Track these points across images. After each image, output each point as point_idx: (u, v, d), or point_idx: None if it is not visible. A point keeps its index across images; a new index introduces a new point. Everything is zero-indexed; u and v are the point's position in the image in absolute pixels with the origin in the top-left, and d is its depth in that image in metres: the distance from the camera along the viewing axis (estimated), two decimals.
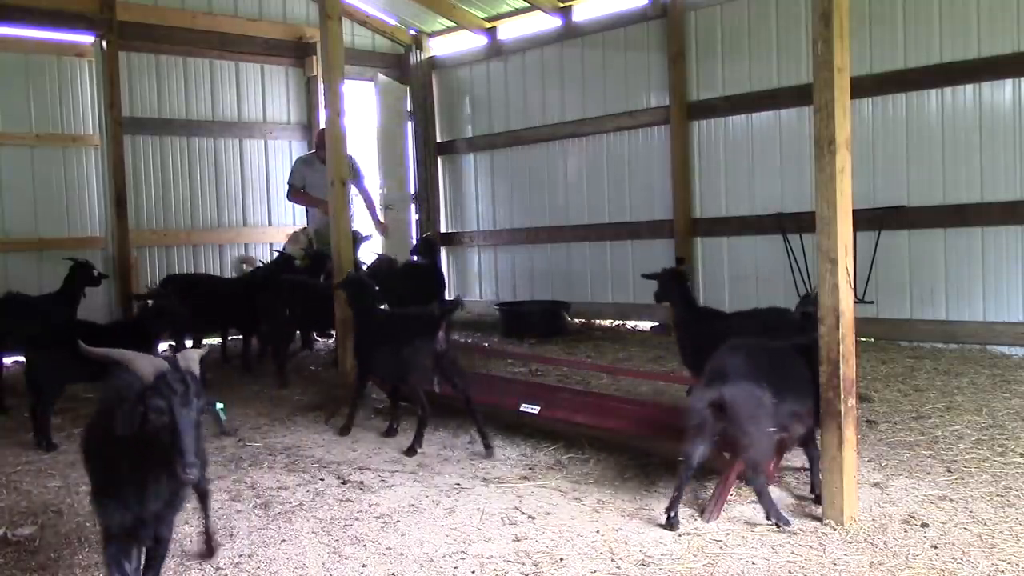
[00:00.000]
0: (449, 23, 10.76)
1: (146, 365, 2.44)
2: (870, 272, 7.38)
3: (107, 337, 5.61)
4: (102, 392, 2.94)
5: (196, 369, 2.53)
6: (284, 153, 10.22)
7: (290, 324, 7.11)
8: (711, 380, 3.52)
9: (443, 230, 11.37)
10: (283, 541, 3.51)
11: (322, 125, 7.83)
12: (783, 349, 3.75)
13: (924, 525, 3.44)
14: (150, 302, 5.84)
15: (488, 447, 4.71)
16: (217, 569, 3.25)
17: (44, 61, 8.76)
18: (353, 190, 8.69)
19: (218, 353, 8.19)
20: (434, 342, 4.71)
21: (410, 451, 4.77)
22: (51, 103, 8.80)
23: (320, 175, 8.71)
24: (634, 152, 9.29)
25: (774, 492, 3.89)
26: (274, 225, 10.08)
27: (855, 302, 3.58)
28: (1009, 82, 6.80)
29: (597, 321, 9.55)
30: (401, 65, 11.30)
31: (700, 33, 8.62)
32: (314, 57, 10.06)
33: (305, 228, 9.15)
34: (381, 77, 10.80)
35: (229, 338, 8.13)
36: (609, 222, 9.54)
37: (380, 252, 9.07)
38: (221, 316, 7.51)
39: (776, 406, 3.47)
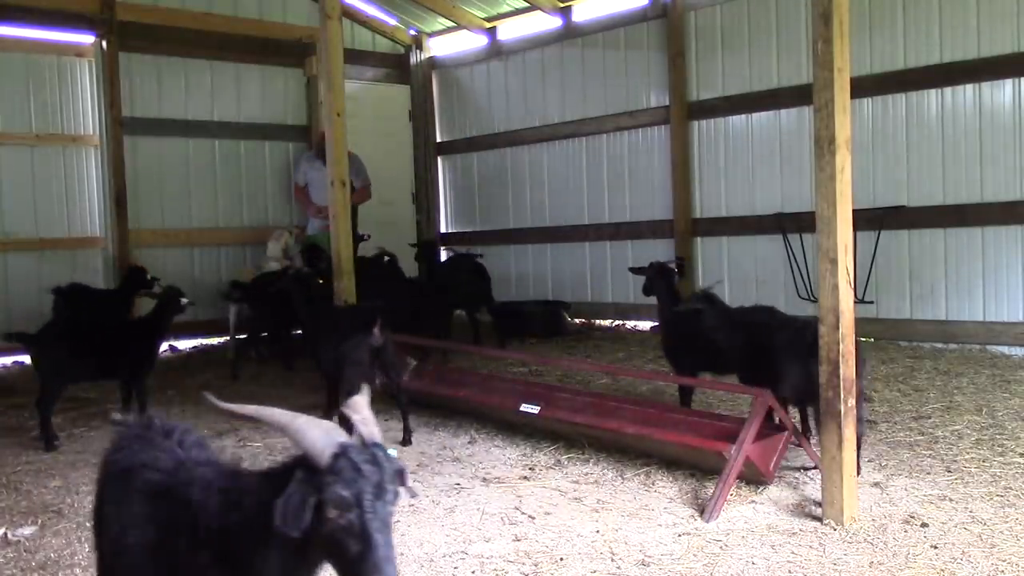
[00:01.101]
0: (449, 23, 10.76)
1: (317, 436, 1.70)
2: (870, 272, 7.37)
3: (112, 335, 5.62)
4: (119, 438, 2.12)
5: (378, 433, 1.82)
6: (283, 154, 10.21)
7: None
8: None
9: (443, 230, 11.38)
10: None
11: (323, 125, 7.85)
12: None
13: (924, 525, 3.44)
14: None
15: (407, 441, 4.97)
16: None
17: (44, 61, 8.74)
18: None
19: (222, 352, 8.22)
20: (370, 337, 4.83)
21: None
22: (51, 103, 8.79)
23: (321, 173, 8.75)
24: (634, 152, 9.28)
25: (773, 492, 3.90)
26: (273, 226, 10.05)
27: (855, 302, 3.58)
28: (1009, 82, 6.80)
29: (597, 321, 9.55)
30: (401, 65, 11.30)
31: (700, 33, 8.62)
32: (314, 57, 10.05)
33: (299, 228, 9.10)
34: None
35: (236, 336, 8.19)
36: (609, 222, 9.54)
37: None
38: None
39: None
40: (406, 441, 4.97)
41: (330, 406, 5.39)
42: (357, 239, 8.61)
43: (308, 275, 5.94)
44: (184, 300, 5.71)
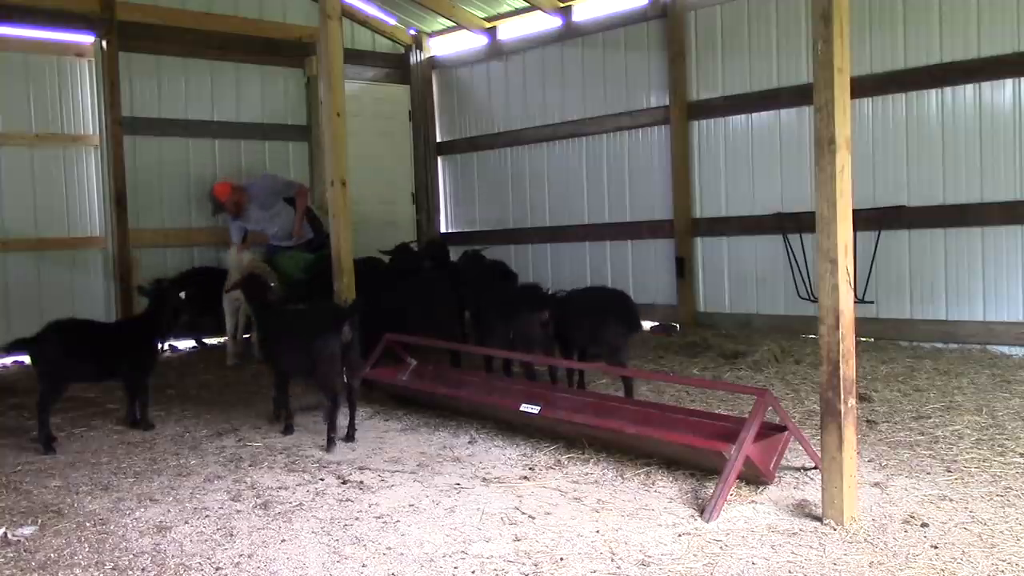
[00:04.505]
0: (449, 23, 10.77)
1: None
2: (870, 272, 7.38)
3: (112, 336, 5.63)
4: None
5: None
6: (283, 154, 10.22)
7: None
8: None
9: (443, 230, 11.39)
10: (283, 541, 3.51)
11: (323, 125, 7.82)
12: None
13: (924, 525, 3.43)
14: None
15: (351, 436, 5.06)
16: (217, 569, 3.25)
17: (44, 61, 8.75)
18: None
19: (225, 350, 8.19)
20: (340, 335, 4.95)
21: (329, 444, 4.90)
22: (51, 103, 8.79)
23: (255, 223, 8.69)
24: (634, 152, 9.29)
25: (773, 492, 3.90)
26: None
27: (855, 302, 3.58)
28: (1009, 82, 6.80)
29: None
30: (401, 65, 11.30)
31: (700, 33, 8.63)
32: (314, 57, 10.06)
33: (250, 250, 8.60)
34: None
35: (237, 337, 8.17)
36: (609, 222, 9.54)
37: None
38: None
39: None
40: (350, 436, 5.05)
41: (280, 400, 5.47)
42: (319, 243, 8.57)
43: (263, 282, 6.13)
44: (182, 295, 5.71)
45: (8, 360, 8.15)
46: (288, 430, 5.28)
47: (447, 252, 8.69)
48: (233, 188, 8.57)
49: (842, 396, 3.44)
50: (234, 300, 7.84)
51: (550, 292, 6.25)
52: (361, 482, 4.26)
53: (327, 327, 4.98)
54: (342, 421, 5.06)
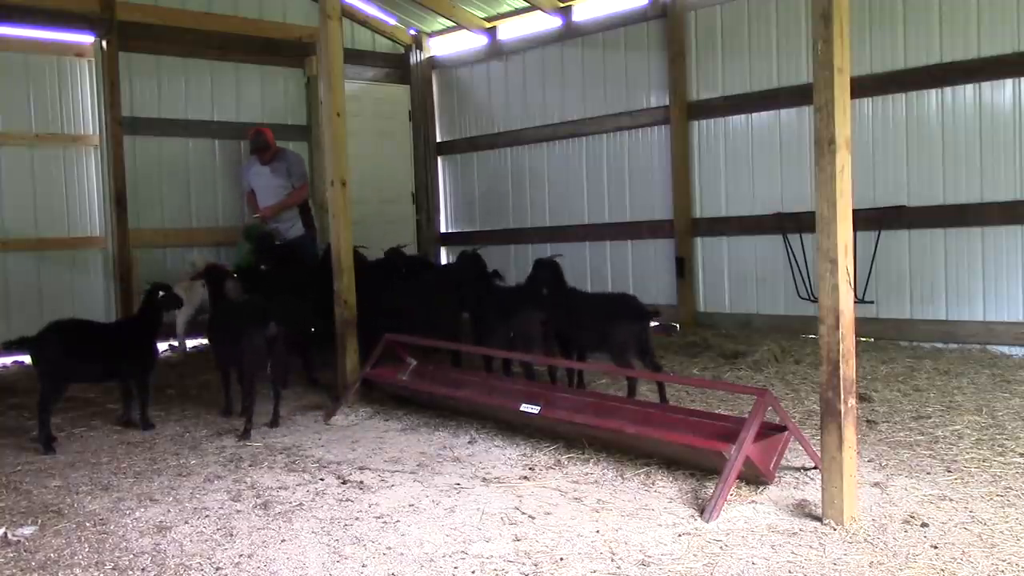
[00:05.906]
0: (449, 23, 10.77)
1: None
2: (870, 272, 7.38)
3: (112, 336, 5.63)
4: None
5: None
6: None
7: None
8: None
9: (443, 230, 11.39)
10: (283, 541, 3.51)
11: (323, 125, 7.81)
12: None
13: (924, 525, 3.44)
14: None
15: (275, 422, 5.34)
16: (217, 569, 3.25)
17: (44, 61, 8.75)
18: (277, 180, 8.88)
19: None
20: (265, 329, 5.15)
21: (244, 434, 5.13)
22: (51, 103, 8.79)
23: (258, 176, 8.96)
24: (634, 152, 9.29)
25: (773, 492, 3.90)
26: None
27: (855, 302, 3.58)
28: (1009, 82, 6.80)
29: None
30: (401, 65, 11.30)
31: (700, 33, 8.62)
32: (314, 57, 10.06)
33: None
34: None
35: None
36: (609, 222, 9.54)
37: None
38: None
39: None
40: (274, 423, 5.33)
41: (226, 393, 5.78)
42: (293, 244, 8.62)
43: (223, 273, 6.35)
44: (178, 294, 5.76)
45: (8, 360, 8.15)
46: (245, 435, 5.19)
47: (407, 259, 8.46)
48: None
49: (842, 396, 3.44)
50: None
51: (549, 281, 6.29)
52: (361, 482, 4.26)
53: (254, 321, 5.21)
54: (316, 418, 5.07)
